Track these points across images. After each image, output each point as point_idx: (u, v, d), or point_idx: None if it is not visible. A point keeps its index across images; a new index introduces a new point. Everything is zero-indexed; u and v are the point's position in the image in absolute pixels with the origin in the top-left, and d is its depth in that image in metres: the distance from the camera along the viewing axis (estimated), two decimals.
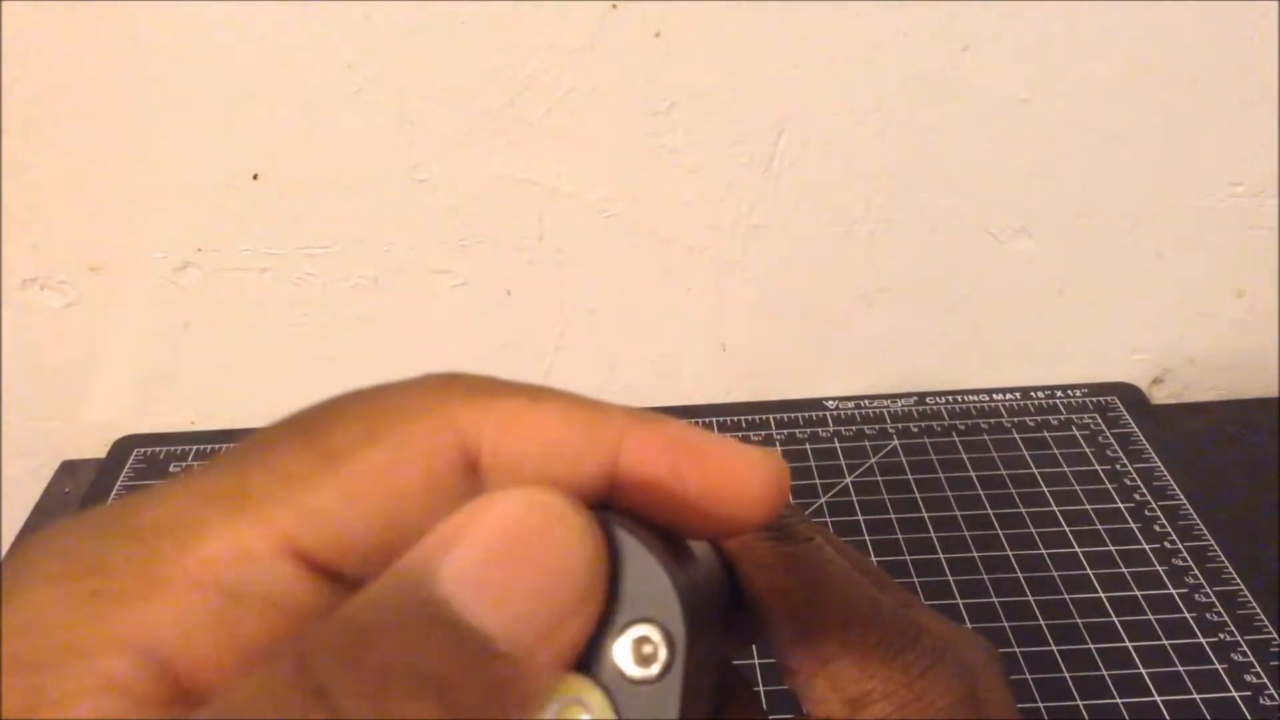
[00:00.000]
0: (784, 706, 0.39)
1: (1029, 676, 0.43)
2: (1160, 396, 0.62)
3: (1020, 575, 0.48)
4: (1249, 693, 0.42)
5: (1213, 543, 0.49)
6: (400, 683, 0.11)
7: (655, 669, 0.13)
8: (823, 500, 0.52)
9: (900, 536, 0.50)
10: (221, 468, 0.14)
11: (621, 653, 0.13)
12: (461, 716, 0.12)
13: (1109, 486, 0.53)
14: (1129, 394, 0.59)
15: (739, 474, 0.15)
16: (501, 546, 0.13)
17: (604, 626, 0.13)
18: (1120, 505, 0.51)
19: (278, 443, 0.14)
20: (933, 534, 0.50)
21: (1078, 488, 0.53)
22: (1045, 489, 0.53)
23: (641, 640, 0.13)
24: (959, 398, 0.59)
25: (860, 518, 0.51)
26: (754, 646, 0.26)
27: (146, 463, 0.57)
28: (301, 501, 0.13)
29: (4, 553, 0.54)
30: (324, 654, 0.11)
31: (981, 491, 0.53)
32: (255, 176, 0.51)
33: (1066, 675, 0.43)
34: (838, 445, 0.56)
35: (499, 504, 0.13)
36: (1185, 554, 0.49)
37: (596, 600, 0.13)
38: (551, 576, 0.13)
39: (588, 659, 0.13)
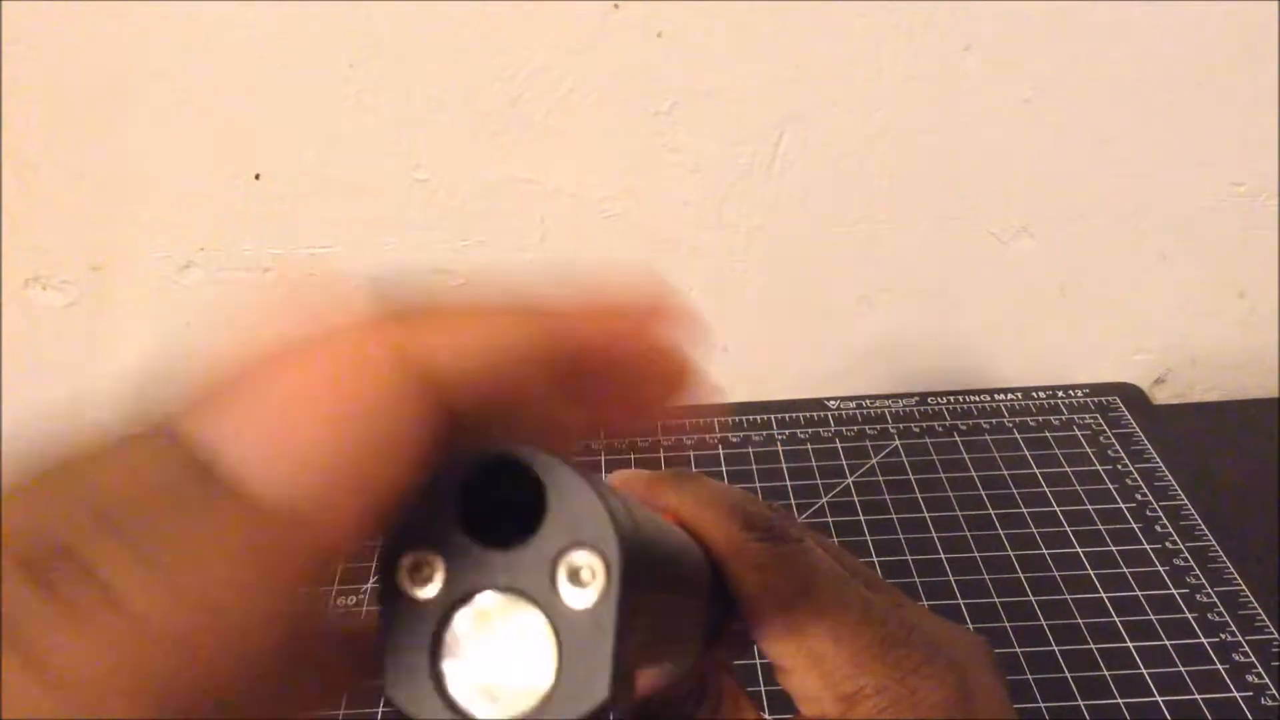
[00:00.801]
0: (784, 707, 0.39)
1: (1030, 676, 0.43)
2: (1162, 397, 0.62)
3: (1021, 575, 0.48)
4: (1250, 693, 0.42)
5: (1214, 543, 0.49)
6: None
7: (592, 593, 0.13)
8: (824, 500, 0.52)
9: (902, 536, 0.50)
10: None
11: (560, 580, 0.13)
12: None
13: (1110, 486, 0.53)
14: (1131, 394, 0.59)
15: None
16: (278, 399, 0.12)
17: (543, 554, 0.13)
18: (1122, 505, 0.51)
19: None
20: (934, 534, 0.50)
21: (1079, 488, 0.53)
22: (1047, 489, 0.53)
23: (578, 566, 0.13)
24: (960, 398, 0.59)
25: (862, 518, 0.51)
26: (754, 647, 0.26)
27: None
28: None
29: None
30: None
31: (983, 491, 0.52)
32: (257, 176, 0.51)
33: (1068, 675, 0.43)
34: (839, 445, 0.56)
35: (296, 353, 0.13)
36: (1186, 554, 0.48)
37: (392, 467, 0.13)
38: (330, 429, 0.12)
39: (527, 585, 0.13)
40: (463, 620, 0.14)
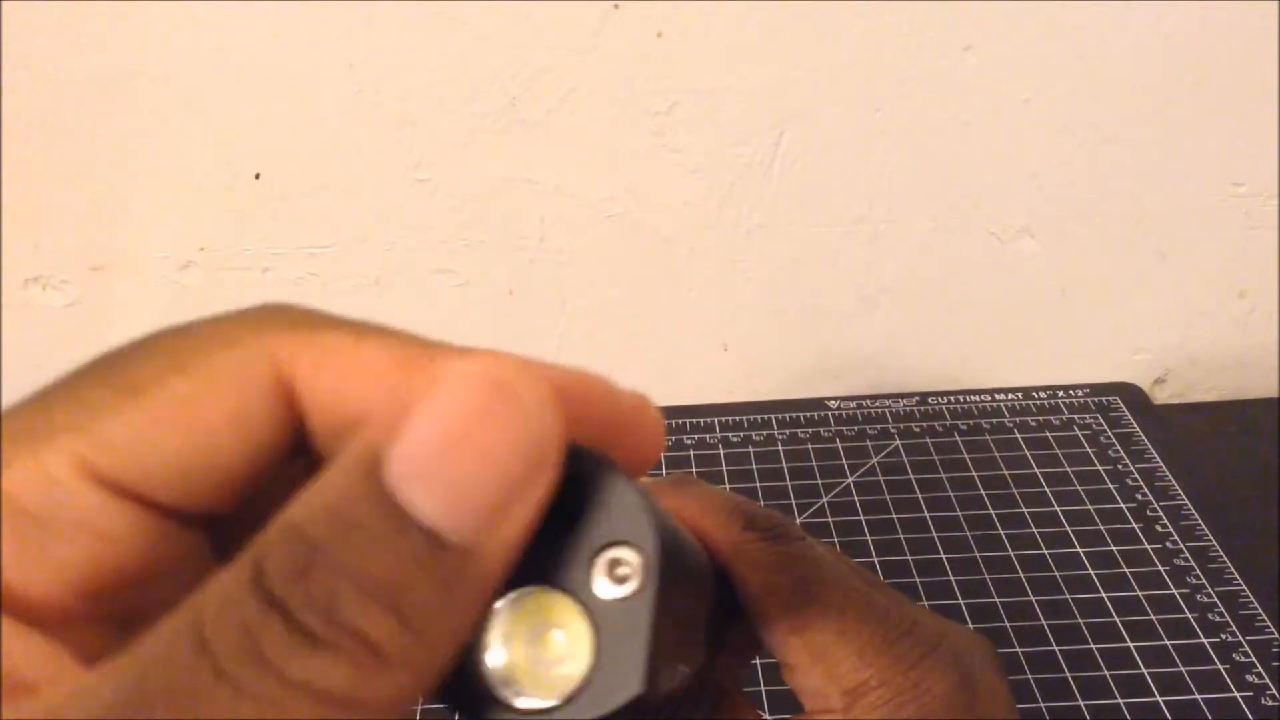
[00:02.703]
0: (784, 707, 0.39)
1: (1030, 676, 0.43)
2: (1162, 396, 0.62)
3: (1022, 575, 0.48)
4: (1250, 693, 0.42)
5: (1214, 543, 0.49)
6: (350, 590, 0.11)
7: (629, 588, 0.14)
8: (825, 500, 0.52)
9: (902, 536, 0.50)
10: (27, 404, 0.14)
11: (597, 575, 0.14)
12: (415, 618, 0.11)
13: (1111, 486, 0.53)
14: (1131, 394, 0.59)
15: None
16: (447, 428, 0.12)
17: (581, 549, 0.14)
18: (1122, 505, 0.51)
19: (82, 378, 0.14)
20: (934, 534, 0.50)
21: (1079, 488, 0.53)
22: (1047, 489, 0.53)
23: (615, 561, 0.14)
24: (961, 398, 0.59)
25: (862, 518, 0.51)
26: (755, 653, 0.26)
27: None
28: (101, 430, 0.14)
29: None
30: (273, 562, 0.11)
31: (983, 491, 0.53)
32: (257, 176, 0.51)
33: (1068, 675, 0.43)
34: (840, 445, 0.56)
35: (447, 382, 0.13)
36: (1187, 554, 0.48)
37: (545, 478, 0.13)
38: (496, 458, 0.12)
39: (566, 580, 0.14)
40: (500, 612, 0.14)
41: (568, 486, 0.14)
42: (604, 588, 0.14)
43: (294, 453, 0.15)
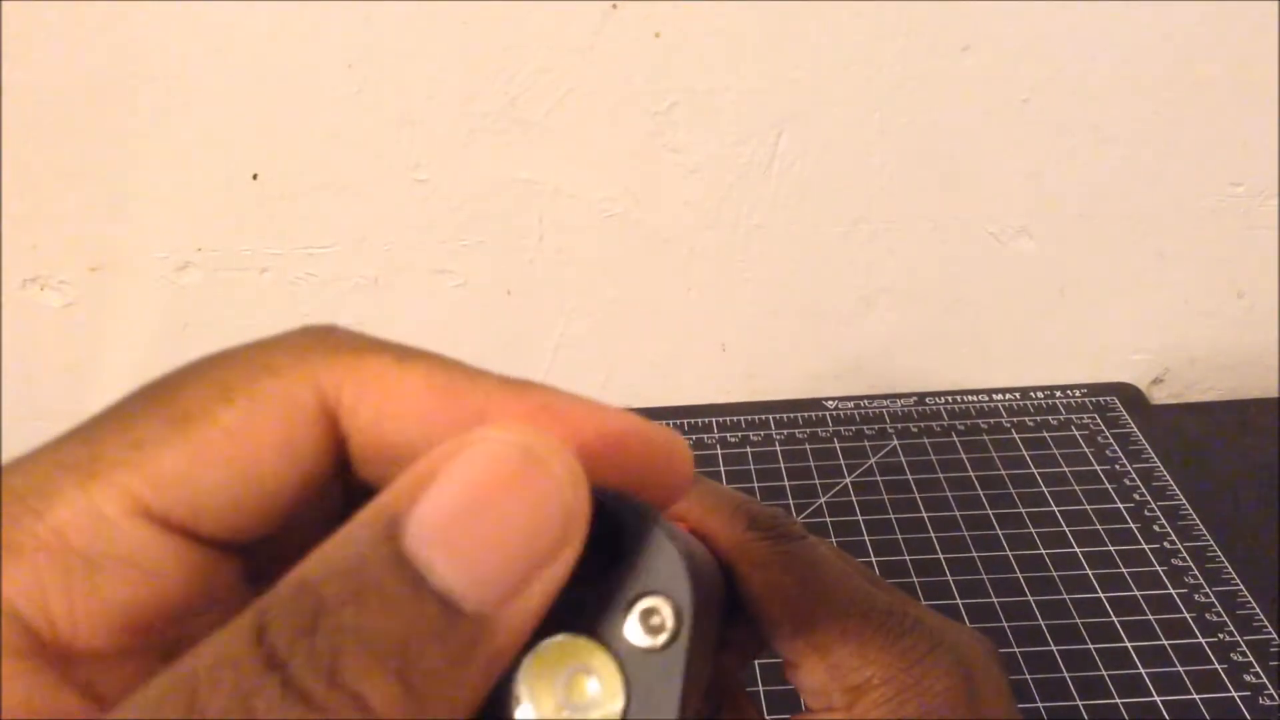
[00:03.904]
0: (783, 707, 0.39)
1: (1029, 676, 0.43)
2: (1160, 397, 0.62)
3: (1020, 575, 0.48)
4: (1248, 693, 0.42)
5: (1212, 543, 0.49)
6: (355, 652, 0.11)
7: (662, 639, 0.14)
8: (822, 500, 0.52)
9: (900, 536, 0.50)
10: (76, 436, 0.14)
11: (631, 624, 0.14)
12: (421, 686, 0.11)
13: (1108, 486, 0.53)
14: (1129, 394, 0.59)
15: (607, 430, 0.15)
16: (471, 496, 0.12)
17: (615, 598, 0.14)
18: (1120, 505, 0.51)
19: (131, 408, 0.14)
20: (932, 534, 0.50)
21: (1077, 488, 0.53)
22: (1045, 489, 0.53)
23: (650, 611, 0.14)
24: (958, 398, 0.59)
25: (860, 518, 0.51)
26: (755, 655, 0.26)
27: None
28: (152, 465, 0.13)
29: None
30: (278, 620, 0.11)
31: (981, 492, 0.53)
32: (255, 176, 0.51)
33: (1066, 675, 0.43)
34: (837, 445, 0.56)
35: (473, 446, 0.12)
36: (1185, 554, 0.49)
37: (569, 553, 0.13)
38: (519, 530, 0.12)
39: (598, 628, 0.14)
40: (532, 660, 0.14)
41: (603, 532, 0.14)
42: (637, 637, 0.14)
43: (335, 476, 0.15)
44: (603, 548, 0.14)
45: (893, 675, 0.21)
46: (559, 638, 0.14)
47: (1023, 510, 0.51)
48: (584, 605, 0.14)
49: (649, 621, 0.14)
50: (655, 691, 0.13)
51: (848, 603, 0.22)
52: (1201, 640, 0.44)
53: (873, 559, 0.49)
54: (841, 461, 0.55)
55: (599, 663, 0.14)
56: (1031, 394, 0.59)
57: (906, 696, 0.21)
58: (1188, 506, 0.51)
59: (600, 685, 0.14)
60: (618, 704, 0.13)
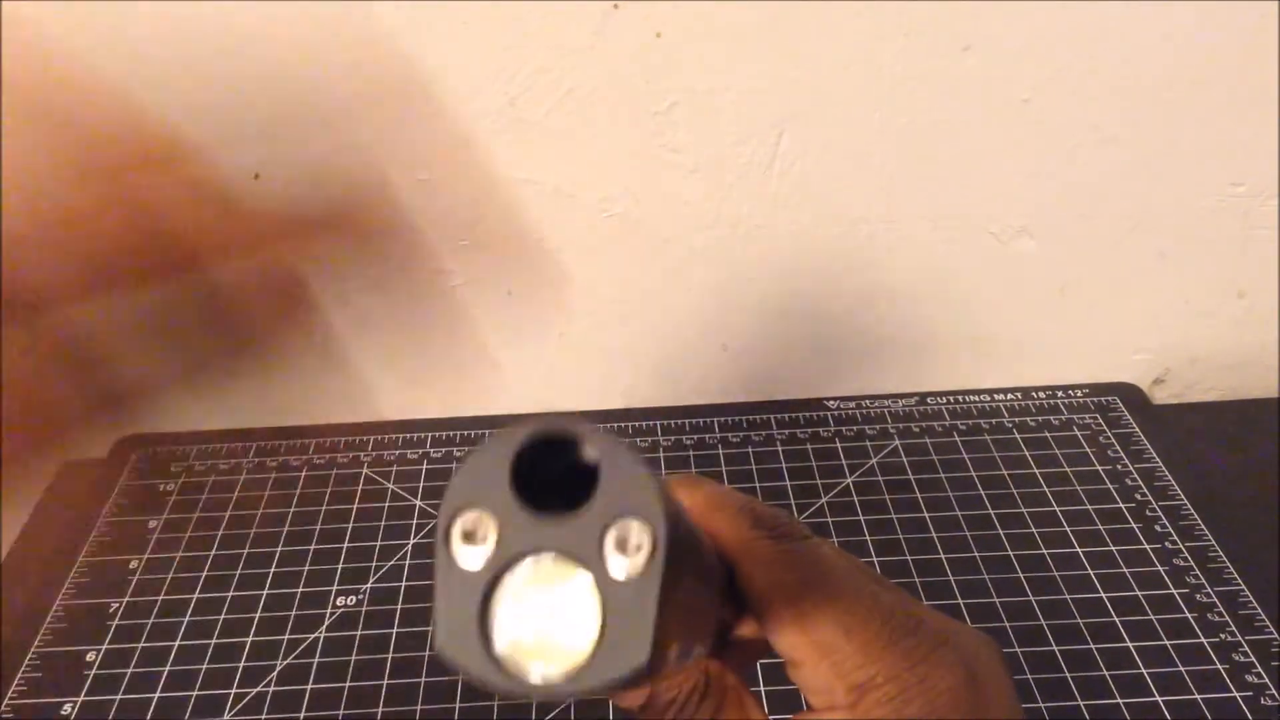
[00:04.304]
0: (784, 707, 0.39)
1: (1030, 676, 0.43)
2: (1161, 396, 0.62)
3: (1021, 575, 0.48)
4: (1250, 693, 0.42)
5: (1214, 543, 0.49)
6: None
7: (638, 562, 0.14)
8: (824, 500, 0.52)
9: (901, 536, 0.50)
10: None
11: (608, 547, 0.14)
12: None
13: (1110, 486, 0.53)
14: (1130, 394, 0.59)
15: None
16: None
17: (594, 523, 0.14)
18: (1121, 505, 0.51)
19: None
20: (934, 534, 0.50)
21: (1079, 488, 0.53)
22: (1046, 489, 0.53)
23: (626, 535, 0.14)
24: (960, 398, 0.59)
25: (861, 518, 0.51)
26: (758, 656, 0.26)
27: (148, 463, 0.57)
28: None
29: (4, 553, 0.54)
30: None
31: (982, 491, 0.53)
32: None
33: (1067, 675, 0.43)
34: (839, 445, 0.56)
35: None
36: (1186, 554, 0.49)
37: None
38: None
39: (576, 551, 0.14)
40: (511, 582, 0.14)
41: (579, 467, 0.15)
42: (614, 561, 0.14)
43: None
44: (584, 478, 0.14)
45: (897, 673, 0.21)
46: (538, 556, 0.14)
47: (1024, 510, 0.51)
48: (564, 529, 0.14)
49: (625, 545, 0.14)
50: (631, 615, 0.14)
51: (852, 601, 0.22)
52: (1203, 640, 0.44)
53: (874, 559, 0.49)
54: (843, 461, 0.55)
55: (576, 585, 0.14)
56: (1033, 394, 0.59)
57: (911, 695, 0.21)
58: (1189, 506, 0.51)
59: (577, 608, 0.14)
60: (593, 626, 0.14)
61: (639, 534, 0.14)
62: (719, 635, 0.23)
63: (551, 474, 0.15)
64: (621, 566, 0.14)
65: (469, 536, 0.15)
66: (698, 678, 0.24)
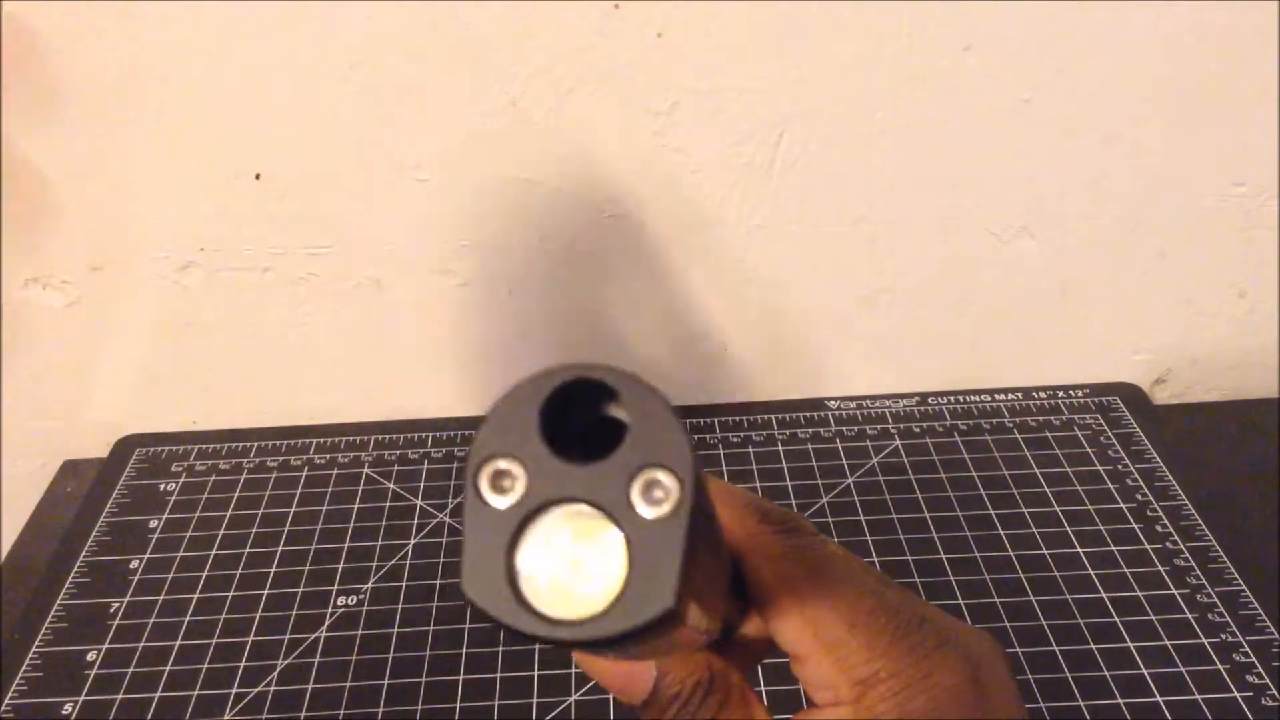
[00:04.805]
0: (784, 708, 0.39)
1: (1031, 677, 0.43)
2: (1162, 397, 0.62)
3: (1022, 575, 0.48)
4: (1251, 693, 0.42)
5: (1214, 543, 0.49)
6: None
7: (664, 509, 0.14)
8: (824, 500, 0.52)
9: (902, 537, 0.50)
10: None
11: (635, 494, 0.14)
12: None
13: (1111, 487, 0.53)
14: (1131, 394, 0.59)
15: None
16: None
17: (621, 470, 0.14)
18: (1122, 505, 0.51)
19: None
20: (935, 534, 0.50)
21: (1079, 488, 0.53)
22: (1047, 489, 0.53)
23: (652, 483, 0.14)
24: (961, 398, 0.59)
25: (862, 518, 0.51)
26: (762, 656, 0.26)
27: (148, 463, 0.57)
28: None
29: (4, 553, 0.54)
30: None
31: (983, 492, 0.53)
32: (258, 176, 0.51)
33: (1068, 675, 0.43)
34: (839, 445, 0.56)
35: None
36: (1187, 554, 0.48)
37: None
38: None
39: (603, 497, 0.14)
40: (539, 527, 0.14)
41: (607, 415, 0.15)
42: (641, 507, 0.14)
43: None
44: (613, 424, 0.15)
45: (901, 669, 0.21)
46: (566, 504, 0.14)
47: (1025, 510, 0.51)
48: (592, 476, 0.14)
49: (652, 493, 0.14)
50: (656, 563, 0.14)
51: (857, 597, 0.22)
52: (1204, 640, 0.44)
53: (875, 559, 0.49)
54: (844, 461, 0.55)
55: (603, 531, 0.14)
56: (1034, 394, 0.59)
57: (914, 690, 0.21)
58: (1190, 507, 0.51)
59: (604, 552, 0.14)
60: (619, 571, 0.14)
61: (666, 481, 0.14)
62: (725, 628, 0.23)
63: (578, 420, 0.15)
64: (649, 512, 0.14)
65: (498, 481, 0.15)
66: (702, 673, 0.24)
